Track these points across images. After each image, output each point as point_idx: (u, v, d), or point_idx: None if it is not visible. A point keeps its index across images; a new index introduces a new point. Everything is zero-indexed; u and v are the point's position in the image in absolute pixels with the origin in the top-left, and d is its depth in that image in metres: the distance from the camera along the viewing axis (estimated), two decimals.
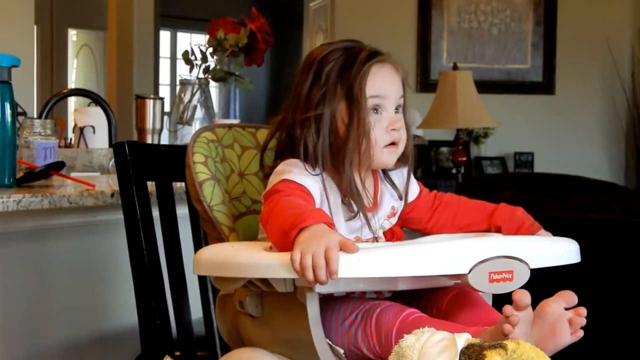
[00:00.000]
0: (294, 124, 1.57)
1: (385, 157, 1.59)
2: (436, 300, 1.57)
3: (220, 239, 1.65)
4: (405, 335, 1.35)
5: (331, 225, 1.36)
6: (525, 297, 1.33)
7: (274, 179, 1.52)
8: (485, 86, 5.91)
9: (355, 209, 1.56)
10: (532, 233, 1.62)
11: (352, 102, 1.54)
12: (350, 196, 1.56)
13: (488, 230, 1.66)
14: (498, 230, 1.65)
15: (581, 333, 1.40)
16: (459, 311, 1.52)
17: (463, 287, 1.54)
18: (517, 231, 1.62)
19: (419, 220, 1.72)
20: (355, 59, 1.56)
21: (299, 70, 1.61)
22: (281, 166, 1.55)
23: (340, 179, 1.56)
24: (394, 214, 1.67)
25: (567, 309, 1.40)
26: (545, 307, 1.40)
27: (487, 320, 1.47)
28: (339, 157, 1.55)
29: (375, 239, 1.63)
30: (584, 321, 1.40)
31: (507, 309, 1.32)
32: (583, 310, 1.40)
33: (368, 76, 1.55)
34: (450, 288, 1.57)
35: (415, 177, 1.73)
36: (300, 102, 1.57)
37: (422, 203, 1.72)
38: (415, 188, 1.72)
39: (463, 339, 1.31)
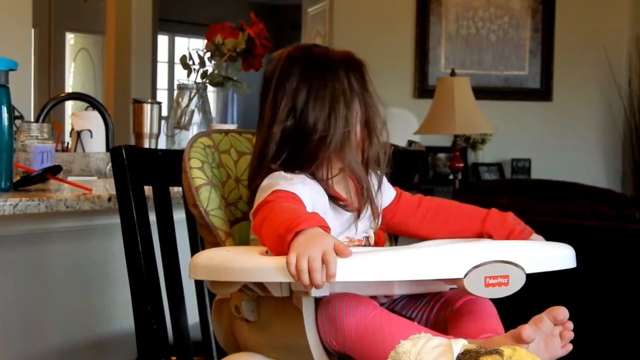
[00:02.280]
0: (270, 135, 1.59)
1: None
2: (445, 305, 1.58)
3: (217, 243, 1.65)
4: (401, 341, 1.35)
5: (326, 228, 1.36)
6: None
7: (261, 195, 1.53)
8: (482, 92, 5.92)
9: (344, 210, 1.59)
10: (524, 239, 1.63)
11: (333, 112, 1.57)
12: (334, 199, 1.59)
13: (480, 237, 1.67)
14: (490, 236, 1.65)
15: (570, 346, 1.44)
16: (464, 319, 1.53)
17: (474, 298, 1.54)
18: (508, 237, 1.63)
19: (405, 224, 1.74)
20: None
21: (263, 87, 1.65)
22: (266, 181, 1.56)
23: (323, 182, 1.59)
24: (379, 214, 1.68)
25: (555, 324, 1.43)
26: (537, 323, 1.43)
27: (492, 331, 1.48)
28: (317, 164, 1.58)
29: (367, 239, 1.65)
30: (572, 335, 1.43)
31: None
32: (571, 325, 1.43)
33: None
34: (459, 298, 1.57)
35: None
36: (272, 115, 1.60)
37: (403, 207, 1.73)
38: (390, 192, 1.73)
39: (459, 344, 1.31)
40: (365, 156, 1.63)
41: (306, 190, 1.53)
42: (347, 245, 1.34)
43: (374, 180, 1.67)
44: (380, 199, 1.69)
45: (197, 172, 1.67)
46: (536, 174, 6.37)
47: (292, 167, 1.58)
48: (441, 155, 6.26)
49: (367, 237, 1.65)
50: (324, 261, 1.27)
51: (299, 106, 1.57)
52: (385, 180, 1.71)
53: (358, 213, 1.63)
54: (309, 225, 1.34)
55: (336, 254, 1.29)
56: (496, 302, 1.55)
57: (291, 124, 1.57)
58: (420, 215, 1.72)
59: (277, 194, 1.49)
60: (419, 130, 5.37)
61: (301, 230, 1.33)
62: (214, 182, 1.70)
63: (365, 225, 1.65)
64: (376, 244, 1.67)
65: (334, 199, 1.59)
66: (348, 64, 1.61)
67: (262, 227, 1.43)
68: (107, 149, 3.09)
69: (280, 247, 1.36)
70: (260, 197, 1.53)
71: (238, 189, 1.75)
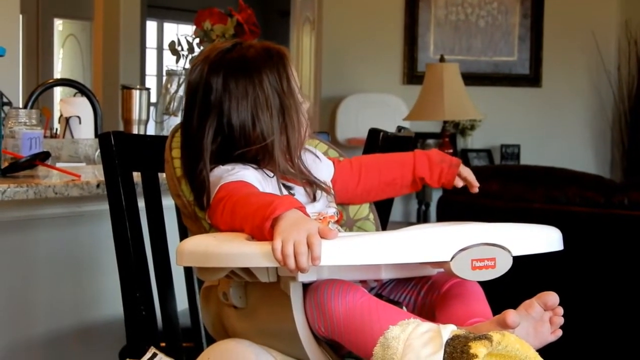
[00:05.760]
0: (200, 151, 1.59)
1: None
2: (433, 288, 1.58)
3: (202, 233, 1.65)
4: (390, 326, 1.35)
5: (302, 208, 1.36)
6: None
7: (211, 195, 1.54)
8: (471, 78, 5.92)
9: (294, 186, 1.62)
10: (454, 175, 1.69)
11: (257, 122, 1.58)
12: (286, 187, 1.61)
13: (413, 182, 1.73)
14: (422, 180, 1.72)
15: (560, 332, 1.44)
16: (452, 303, 1.53)
17: (461, 281, 1.54)
18: (440, 178, 1.71)
19: (346, 189, 1.75)
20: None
21: (189, 98, 1.64)
22: (212, 180, 1.56)
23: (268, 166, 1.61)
24: (329, 190, 1.70)
25: (545, 310, 1.44)
26: (527, 308, 1.43)
27: (480, 314, 1.48)
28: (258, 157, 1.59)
29: (337, 212, 1.66)
30: (562, 320, 1.44)
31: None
32: (561, 310, 1.44)
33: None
34: (446, 281, 1.58)
35: None
36: (199, 131, 1.59)
37: (340, 173, 1.75)
38: (328, 165, 1.75)
39: (448, 330, 1.31)
40: (291, 149, 1.62)
41: (251, 174, 1.55)
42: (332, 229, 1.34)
43: (308, 158, 1.69)
44: (322, 173, 1.71)
45: (180, 162, 1.67)
46: (525, 160, 6.39)
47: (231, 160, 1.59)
48: (430, 142, 6.26)
49: (336, 211, 1.67)
50: (308, 244, 1.28)
51: (224, 121, 1.57)
52: (320, 154, 1.74)
53: (313, 198, 1.65)
54: (285, 209, 1.34)
55: (321, 236, 1.29)
56: (486, 288, 1.55)
57: (220, 140, 1.58)
58: (356, 174, 1.76)
59: (226, 187, 1.50)
60: (408, 117, 5.37)
61: (278, 216, 1.33)
62: None
63: (324, 203, 1.66)
64: (337, 221, 1.68)
65: (286, 187, 1.61)
66: (268, 62, 1.59)
67: (234, 222, 1.43)
68: (96, 135, 3.09)
69: (260, 237, 1.36)
70: (211, 196, 1.54)
71: None
